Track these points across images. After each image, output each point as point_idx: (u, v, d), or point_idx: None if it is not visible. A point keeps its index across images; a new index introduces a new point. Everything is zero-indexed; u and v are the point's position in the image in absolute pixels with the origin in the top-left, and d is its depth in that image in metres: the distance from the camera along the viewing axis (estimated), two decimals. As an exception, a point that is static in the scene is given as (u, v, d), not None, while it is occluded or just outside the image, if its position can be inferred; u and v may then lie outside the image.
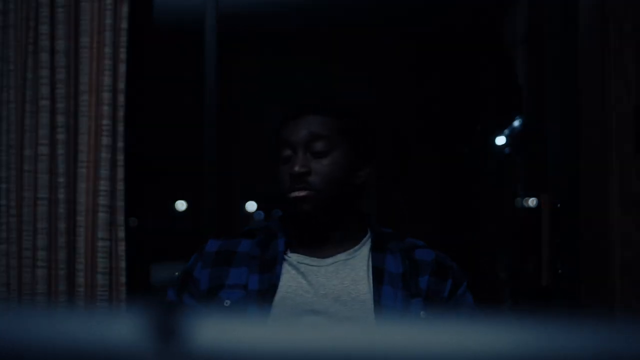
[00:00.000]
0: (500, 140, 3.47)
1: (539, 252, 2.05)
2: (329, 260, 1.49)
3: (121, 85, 2.00)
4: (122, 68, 2.00)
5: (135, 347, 0.39)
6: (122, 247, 1.98)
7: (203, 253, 1.53)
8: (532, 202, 2.59)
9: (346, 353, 0.40)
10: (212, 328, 0.41)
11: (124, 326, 0.40)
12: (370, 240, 1.54)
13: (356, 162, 1.50)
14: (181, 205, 4.40)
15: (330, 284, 1.46)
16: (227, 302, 1.45)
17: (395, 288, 1.45)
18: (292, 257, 1.50)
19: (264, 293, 1.44)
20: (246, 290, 1.45)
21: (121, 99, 2.00)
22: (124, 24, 2.00)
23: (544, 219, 2.03)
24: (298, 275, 1.47)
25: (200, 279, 1.49)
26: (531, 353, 0.39)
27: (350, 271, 1.48)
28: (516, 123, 3.25)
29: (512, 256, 3.34)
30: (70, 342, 0.40)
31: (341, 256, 1.50)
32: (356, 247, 1.52)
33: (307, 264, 1.48)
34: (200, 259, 1.52)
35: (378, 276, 1.46)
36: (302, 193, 1.45)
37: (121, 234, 1.99)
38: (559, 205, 2.03)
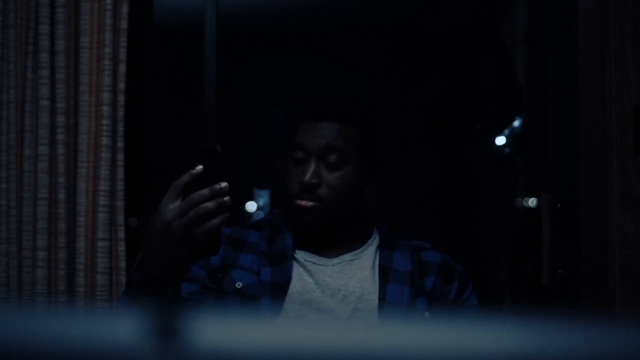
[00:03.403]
0: (500, 140, 3.47)
1: (539, 252, 2.05)
2: (335, 260, 1.49)
3: (121, 85, 2.00)
4: (122, 68, 2.00)
5: (135, 347, 0.39)
6: (122, 247, 1.98)
7: None
8: (532, 202, 2.59)
9: (347, 353, 0.40)
10: (212, 328, 0.41)
11: (124, 326, 0.40)
12: (377, 239, 1.54)
13: (364, 179, 1.50)
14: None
15: (337, 283, 1.46)
16: (239, 284, 1.45)
17: (402, 284, 1.45)
18: (299, 254, 1.50)
19: (277, 286, 1.44)
20: (259, 279, 1.45)
21: (121, 99, 2.00)
22: (124, 24, 2.00)
23: (544, 219, 2.03)
24: (305, 273, 1.47)
25: None
26: (531, 353, 0.39)
27: (356, 271, 1.48)
28: (516, 123, 3.25)
29: (512, 256, 3.34)
30: (70, 342, 0.40)
31: (347, 257, 1.50)
32: (362, 248, 1.52)
33: (314, 263, 1.48)
34: None
35: (384, 274, 1.46)
36: (308, 203, 1.44)
37: (121, 234, 1.98)
38: (559, 205, 2.03)
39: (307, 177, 1.43)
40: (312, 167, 1.44)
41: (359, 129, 1.48)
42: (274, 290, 1.43)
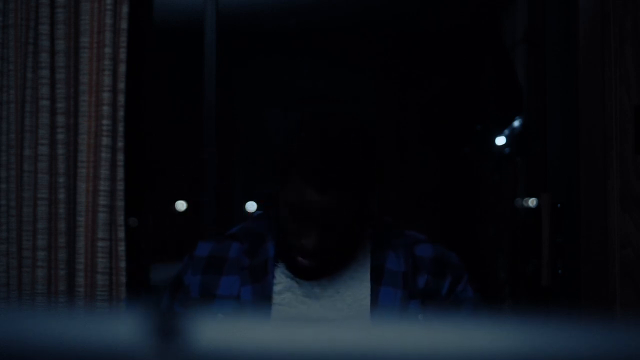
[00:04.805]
0: (500, 140, 3.47)
1: (539, 252, 2.05)
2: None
3: (121, 85, 2.00)
4: (122, 68, 2.00)
5: (135, 347, 0.39)
6: (122, 247, 1.98)
7: (193, 257, 1.46)
8: (532, 202, 2.59)
9: (345, 353, 0.40)
10: (212, 328, 0.41)
11: (124, 326, 0.40)
12: (370, 238, 1.52)
13: (366, 199, 1.46)
14: (181, 205, 4.40)
15: (326, 294, 1.44)
16: (220, 316, 1.42)
17: (395, 287, 1.43)
18: (282, 265, 1.46)
19: (259, 305, 1.41)
20: (239, 302, 1.41)
21: (121, 99, 2.00)
22: (124, 24, 2.00)
23: (544, 219, 2.03)
24: (292, 282, 1.44)
25: (190, 285, 1.44)
26: (531, 353, 0.39)
27: (347, 279, 1.46)
28: (516, 123, 3.25)
29: (512, 256, 3.34)
30: (70, 342, 0.40)
31: (338, 261, 1.48)
32: (354, 252, 1.49)
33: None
34: (190, 264, 1.46)
35: (377, 276, 1.44)
36: (310, 263, 1.41)
37: (121, 234, 1.98)
38: (559, 205, 2.03)
39: (311, 246, 1.39)
40: (314, 236, 1.40)
41: (364, 187, 1.43)
42: (255, 309, 1.39)
